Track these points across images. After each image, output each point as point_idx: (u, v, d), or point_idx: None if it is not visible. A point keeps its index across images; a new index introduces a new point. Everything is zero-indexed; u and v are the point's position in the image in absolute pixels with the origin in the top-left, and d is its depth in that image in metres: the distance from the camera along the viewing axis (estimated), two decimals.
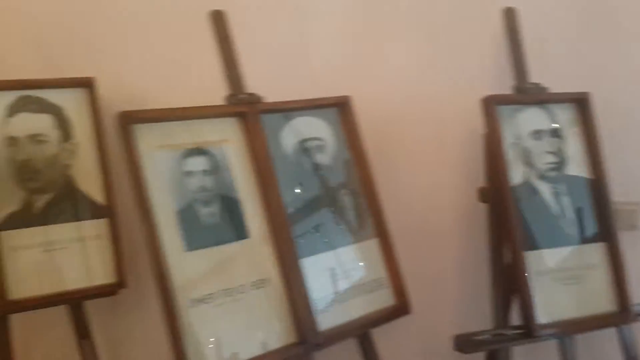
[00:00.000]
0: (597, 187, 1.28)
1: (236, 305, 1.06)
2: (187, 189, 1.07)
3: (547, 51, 1.37)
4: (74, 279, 1.25)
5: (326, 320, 1.13)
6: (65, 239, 1.25)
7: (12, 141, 1.22)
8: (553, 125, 1.29)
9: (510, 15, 1.30)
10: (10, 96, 1.23)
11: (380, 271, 1.25)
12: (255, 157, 1.14)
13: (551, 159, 1.28)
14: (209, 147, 1.11)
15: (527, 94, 1.28)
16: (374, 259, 1.25)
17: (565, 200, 1.27)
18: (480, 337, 1.19)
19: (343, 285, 1.19)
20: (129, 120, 1.01)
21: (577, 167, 1.29)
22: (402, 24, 1.41)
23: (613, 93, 1.36)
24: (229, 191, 1.11)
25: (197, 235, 1.05)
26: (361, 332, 1.20)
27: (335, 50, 1.39)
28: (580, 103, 1.31)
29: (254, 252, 1.11)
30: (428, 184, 1.43)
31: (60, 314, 1.29)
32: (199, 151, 1.10)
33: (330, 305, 1.16)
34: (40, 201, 1.23)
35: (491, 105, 1.22)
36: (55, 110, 1.26)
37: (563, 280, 1.24)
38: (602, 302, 1.25)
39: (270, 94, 1.17)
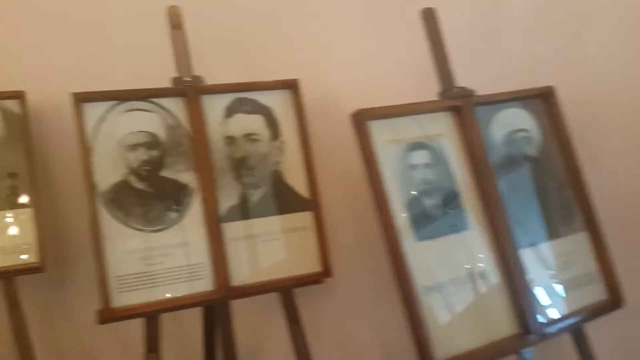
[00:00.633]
0: None
1: (462, 295, 1.08)
2: (412, 182, 1.10)
3: None
4: (285, 268, 1.32)
5: (545, 313, 1.12)
6: (277, 230, 1.32)
7: (231, 140, 1.30)
8: None
9: None
10: (228, 98, 1.31)
11: (591, 265, 1.23)
12: (470, 150, 1.16)
13: None
14: (429, 141, 1.14)
15: None
16: (584, 252, 1.23)
17: None
18: None
19: (556, 278, 1.18)
20: (364, 117, 1.06)
21: None
22: (597, 10, 1.37)
23: None
24: (449, 183, 1.14)
25: (424, 226, 1.08)
26: (576, 327, 1.18)
27: (530, 39, 1.38)
28: None
29: (474, 243, 1.13)
30: (635, 176, 1.39)
31: (268, 301, 1.36)
32: (421, 145, 1.13)
33: (547, 297, 1.15)
34: (255, 195, 1.31)
35: None
36: (265, 111, 1.34)
37: None
38: None
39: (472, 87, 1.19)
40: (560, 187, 1.26)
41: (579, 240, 1.25)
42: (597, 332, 1.25)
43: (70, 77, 1.56)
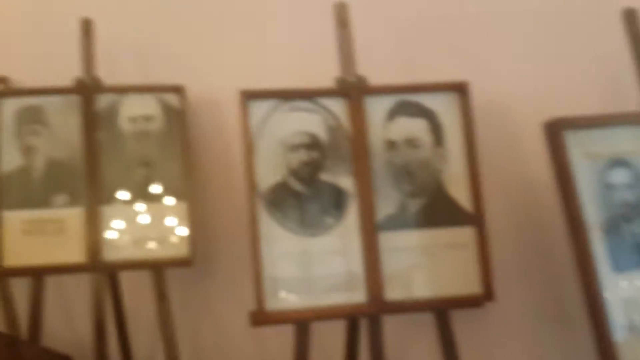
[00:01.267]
0: None
1: None
2: (610, 204, 0.95)
3: None
4: (441, 286, 1.22)
5: None
6: (435, 244, 1.23)
7: (391, 145, 1.23)
8: None
9: None
10: (390, 100, 1.23)
11: None
12: None
13: None
14: (631, 158, 0.99)
15: None
16: None
17: None
18: None
19: None
20: (560, 127, 0.93)
21: None
22: None
23: None
24: None
25: (622, 255, 0.93)
26: None
27: None
28: None
29: None
30: None
31: (418, 319, 1.27)
32: (622, 162, 0.98)
33: None
34: (414, 205, 1.22)
35: None
36: (429, 115, 1.24)
37: None
38: None
39: None
40: None
41: None
42: None
43: (229, 74, 1.56)
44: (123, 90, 1.51)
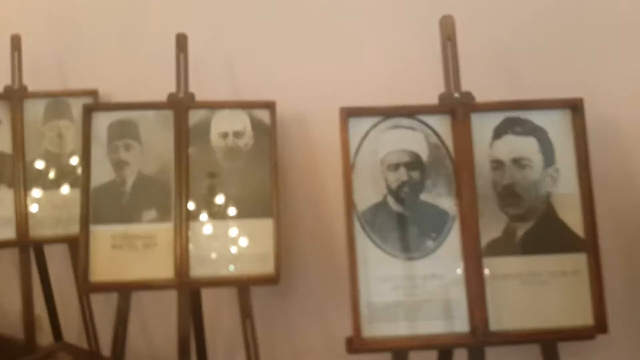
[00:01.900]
0: None
1: None
2: None
3: None
4: (550, 316, 1.13)
5: None
6: (543, 272, 1.15)
7: (497, 164, 1.15)
8: None
9: None
10: (498, 118, 1.16)
11: None
12: None
13: None
14: None
15: None
16: None
17: None
18: None
19: None
20: None
21: None
22: None
23: None
24: None
25: None
26: None
27: None
28: None
29: None
30: None
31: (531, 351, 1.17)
32: None
33: None
34: (521, 229, 1.14)
35: None
36: (539, 133, 1.17)
37: None
38: None
39: None
40: None
41: None
42: None
43: (317, 89, 1.53)
44: (215, 105, 1.51)
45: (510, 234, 1.15)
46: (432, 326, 1.12)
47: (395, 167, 1.15)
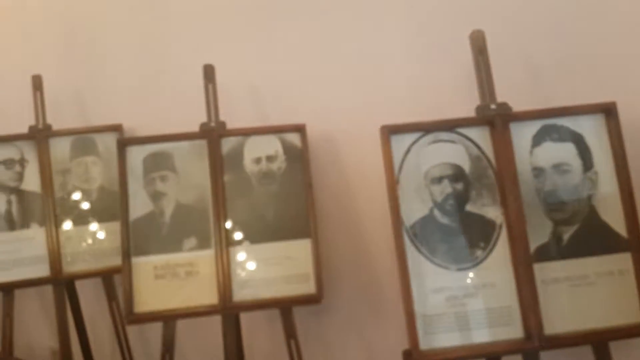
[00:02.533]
0: None
1: None
2: None
3: None
4: (600, 317, 1.16)
5: None
6: (591, 274, 1.18)
7: (538, 171, 1.18)
8: None
9: None
10: (535, 126, 1.20)
11: None
12: None
13: None
14: None
15: None
16: None
17: None
18: None
19: None
20: None
21: None
22: None
23: None
24: None
25: None
26: None
27: None
28: None
29: None
30: None
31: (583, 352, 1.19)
32: None
33: None
34: (567, 233, 1.17)
35: None
36: (576, 138, 1.20)
37: None
38: None
39: None
40: None
41: None
42: None
43: (347, 110, 1.56)
44: (247, 132, 1.53)
45: (557, 238, 1.18)
46: (487, 334, 1.13)
47: (439, 180, 1.18)
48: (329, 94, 1.57)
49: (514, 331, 1.13)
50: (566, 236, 1.17)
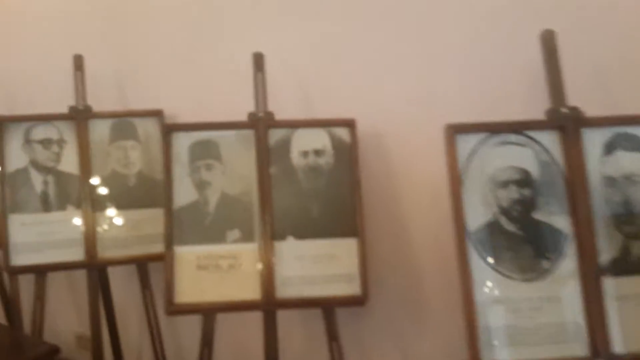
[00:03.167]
0: None
1: None
2: None
3: None
4: None
5: None
6: None
7: (610, 181, 1.12)
8: None
9: None
10: (607, 133, 1.14)
11: None
12: None
13: None
14: None
15: None
16: None
17: None
18: None
19: None
20: None
21: None
22: None
23: None
24: None
25: None
26: None
27: None
28: None
29: None
30: None
31: None
32: None
33: None
34: (637, 248, 1.10)
35: None
36: None
37: None
38: None
39: None
40: None
41: None
42: None
43: (396, 105, 1.50)
44: (295, 124, 1.48)
45: (627, 252, 1.12)
46: (551, 350, 1.08)
47: (505, 184, 1.12)
48: (380, 90, 1.52)
49: (580, 348, 1.08)
50: (636, 251, 1.11)
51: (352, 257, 1.42)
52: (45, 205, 1.76)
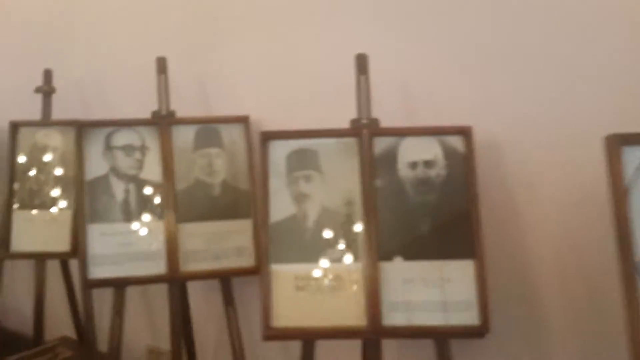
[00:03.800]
0: None
1: None
2: None
3: None
4: None
5: None
6: None
7: None
8: None
9: None
10: None
11: None
12: None
13: None
14: None
15: None
16: None
17: None
18: None
19: None
20: None
21: None
22: None
23: None
24: None
25: None
26: None
27: None
28: None
29: None
30: None
31: None
32: None
33: None
34: None
35: None
36: None
37: None
38: None
39: None
40: None
41: None
42: None
43: (516, 113, 1.33)
44: (403, 132, 1.34)
45: None
46: None
47: None
48: (497, 93, 1.35)
49: None
50: None
51: (468, 281, 1.26)
52: (126, 215, 1.67)
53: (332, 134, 1.36)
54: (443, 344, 1.27)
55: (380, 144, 1.35)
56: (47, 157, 2.04)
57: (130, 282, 1.65)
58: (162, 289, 1.82)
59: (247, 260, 1.69)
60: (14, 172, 2.01)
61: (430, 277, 1.28)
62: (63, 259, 2.09)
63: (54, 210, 2.00)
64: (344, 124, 1.37)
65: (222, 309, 1.81)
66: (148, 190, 1.68)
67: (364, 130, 1.34)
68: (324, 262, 1.31)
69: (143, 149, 1.70)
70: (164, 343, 2.12)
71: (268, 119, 1.75)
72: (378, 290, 1.27)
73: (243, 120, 1.74)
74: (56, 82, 2.08)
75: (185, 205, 1.69)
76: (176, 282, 1.66)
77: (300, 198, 1.34)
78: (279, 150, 1.37)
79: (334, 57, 1.58)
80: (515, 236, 1.38)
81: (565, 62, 1.29)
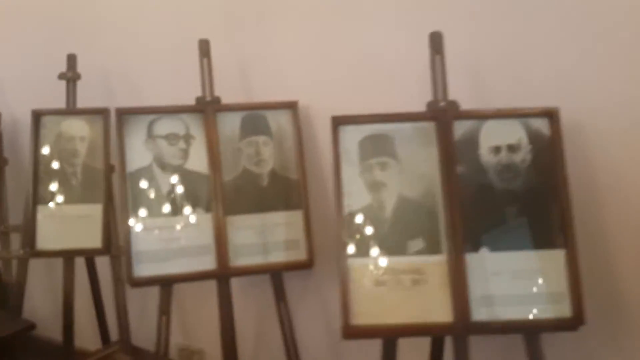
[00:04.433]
0: None
1: None
2: None
3: None
4: None
5: None
6: None
7: None
8: None
9: None
10: None
11: None
12: None
13: None
14: None
15: None
16: None
17: None
18: None
19: None
20: None
21: None
22: None
23: None
24: None
25: None
26: None
27: None
28: None
29: None
30: None
31: None
32: None
33: None
34: None
35: None
36: None
37: None
38: None
39: None
40: None
41: None
42: None
43: (605, 94, 1.25)
44: (484, 115, 1.25)
45: None
46: None
47: None
48: (584, 73, 1.26)
49: None
50: None
51: (559, 272, 1.18)
52: (172, 208, 1.56)
53: (408, 118, 1.27)
54: (533, 339, 1.19)
55: (461, 128, 1.26)
56: (74, 148, 1.91)
57: (177, 279, 1.56)
58: (191, 286, 1.72)
59: (298, 254, 1.59)
60: (37, 164, 1.87)
61: (519, 269, 1.20)
62: (95, 256, 1.97)
63: (82, 205, 1.87)
64: (401, 109, 1.27)
65: (260, 304, 1.72)
66: (194, 182, 1.57)
67: (443, 113, 1.25)
68: (405, 255, 1.21)
69: (187, 137, 1.59)
70: (195, 342, 2.02)
71: (315, 104, 1.65)
72: (465, 284, 1.18)
73: (292, 106, 1.64)
74: (79, 68, 1.94)
75: (233, 196, 1.59)
76: (226, 278, 1.56)
77: (375, 187, 1.25)
78: (351, 136, 1.27)
79: (389, 38, 1.48)
80: (601, 225, 1.30)
81: None
